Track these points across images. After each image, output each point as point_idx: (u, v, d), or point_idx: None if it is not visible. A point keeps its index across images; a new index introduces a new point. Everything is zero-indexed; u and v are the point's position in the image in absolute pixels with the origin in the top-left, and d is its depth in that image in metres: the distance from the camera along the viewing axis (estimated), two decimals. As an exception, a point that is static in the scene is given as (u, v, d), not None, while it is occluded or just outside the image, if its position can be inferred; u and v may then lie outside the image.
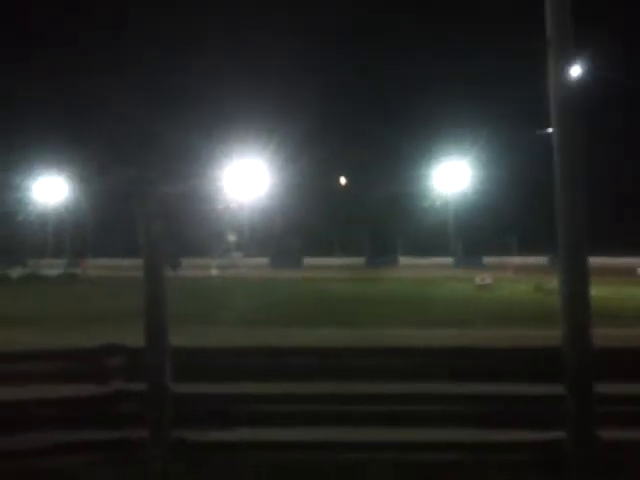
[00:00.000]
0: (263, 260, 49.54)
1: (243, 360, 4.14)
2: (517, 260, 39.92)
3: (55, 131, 50.94)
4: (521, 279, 26.06)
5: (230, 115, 46.01)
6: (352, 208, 54.56)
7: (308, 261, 48.16)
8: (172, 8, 48.44)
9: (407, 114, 50.82)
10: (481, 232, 47.82)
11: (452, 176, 53.48)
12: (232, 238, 48.55)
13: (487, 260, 43.01)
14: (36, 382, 4.03)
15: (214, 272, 33.79)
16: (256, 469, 3.98)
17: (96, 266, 45.59)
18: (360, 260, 49.37)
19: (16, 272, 33.36)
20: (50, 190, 58.42)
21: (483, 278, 24.05)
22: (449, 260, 47.41)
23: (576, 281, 3.79)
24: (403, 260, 48.48)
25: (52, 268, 37.70)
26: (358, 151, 51.08)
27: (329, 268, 38.52)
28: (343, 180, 57.74)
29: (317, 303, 16.30)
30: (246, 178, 51.39)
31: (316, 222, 50.10)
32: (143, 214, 3.67)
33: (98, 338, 4.34)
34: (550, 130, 4.03)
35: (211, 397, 4.09)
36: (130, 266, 45.18)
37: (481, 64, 41.15)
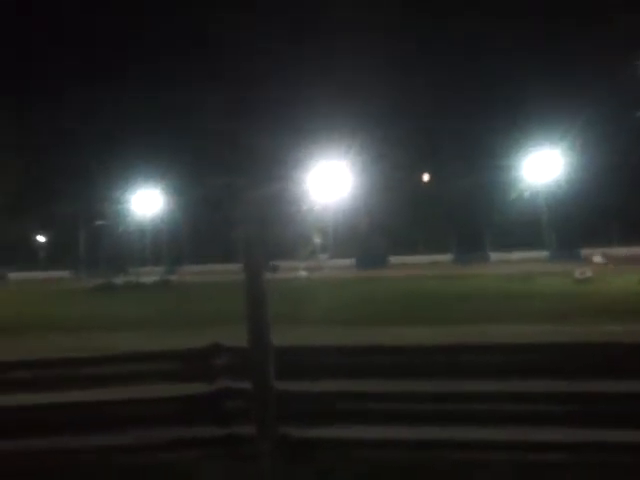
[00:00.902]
0: (348, 261, 49.73)
1: (343, 358, 4.17)
2: (618, 251, 37.55)
3: (152, 146, 53.90)
4: (623, 271, 24.46)
5: (314, 118, 46.68)
6: (436, 204, 53.56)
7: (394, 260, 47.80)
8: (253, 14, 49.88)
9: (492, 103, 49.23)
10: (577, 223, 45.36)
11: (543, 165, 51.02)
12: (317, 240, 49.13)
13: (584, 252, 40.68)
14: (149, 382, 4.28)
15: (301, 274, 34.33)
16: (360, 466, 4.00)
17: (192, 272, 47.82)
18: (447, 257, 48.35)
19: (119, 280, 35.61)
20: (147, 202, 61.81)
21: (583, 272, 22.81)
22: (543, 254, 45.30)
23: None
24: (493, 256, 46.92)
25: (150, 275, 39.86)
26: (441, 145, 50.13)
27: (416, 266, 38.02)
28: (426, 176, 56.79)
29: (408, 301, 16.14)
30: (329, 180, 51.80)
31: (400, 220, 49.65)
32: (241, 219, 3.79)
33: (202, 339, 4.54)
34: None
35: (314, 395, 4.15)
36: (224, 271, 47.05)
37: (574, 48, 39.19)
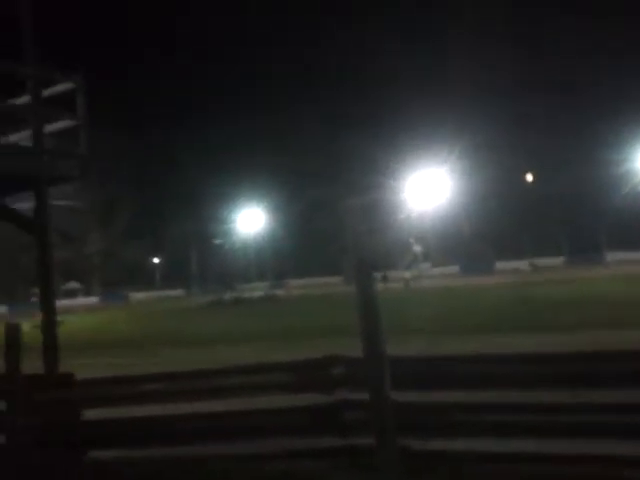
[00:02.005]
0: (452, 268, 48.53)
1: (462, 367, 4.09)
2: None
3: (254, 166, 56.05)
4: None
5: (411, 125, 46.41)
6: (543, 205, 50.98)
7: (500, 265, 46.02)
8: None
9: (598, 94, 46.34)
10: None
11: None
12: (418, 248, 48.40)
13: None
14: (269, 392, 4.43)
15: (404, 283, 33.97)
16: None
17: (297, 286, 48.92)
18: (558, 260, 45.77)
19: (228, 296, 37.15)
20: (251, 220, 64.22)
21: None
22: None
23: None
24: (611, 256, 43.73)
25: (256, 291, 41.21)
26: (545, 143, 47.78)
27: (524, 271, 36.30)
28: (530, 176, 54.26)
29: (520, 308, 15.45)
30: (428, 187, 50.98)
31: (505, 224, 47.79)
32: (352, 230, 3.85)
33: (317, 351, 4.63)
34: None
35: (433, 406, 4.11)
36: (327, 284, 47.65)
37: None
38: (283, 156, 56.80)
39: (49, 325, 5.29)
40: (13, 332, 4.71)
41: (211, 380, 4.54)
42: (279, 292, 39.63)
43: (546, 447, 3.78)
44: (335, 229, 51.16)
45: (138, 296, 59.66)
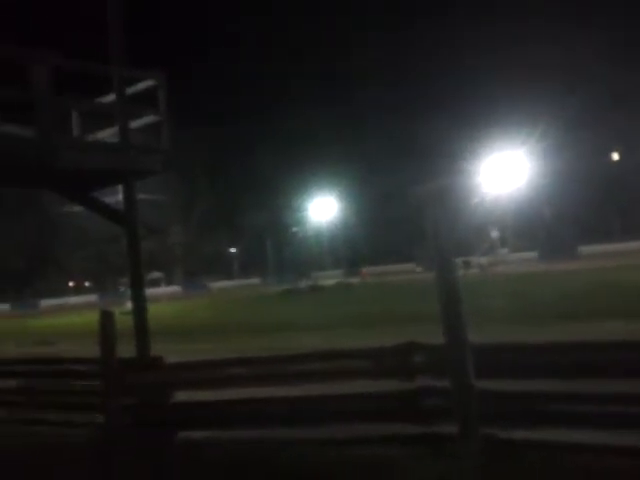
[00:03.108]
0: (531, 254, 46.75)
1: (548, 357, 3.95)
2: None
3: (326, 155, 56.35)
4: None
5: (487, 107, 45.02)
6: (632, 184, 47.96)
7: (583, 250, 43.81)
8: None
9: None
10: None
11: None
12: (495, 233, 46.93)
13: None
14: (350, 378, 4.47)
15: (480, 270, 33.08)
16: (566, 472, 3.75)
17: (372, 273, 48.89)
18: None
19: (303, 284, 37.65)
20: (324, 209, 64.66)
21: None
22: None
23: None
24: None
25: (331, 279, 41.48)
26: (631, 121, 44.90)
27: (612, 256, 34.30)
28: (616, 155, 51.14)
29: (605, 294, 14.66)
30: (505, 170, 49.21)
31: (590, 206, 45.44)
32: (431, 217, 3.79)
33: (395, 338, 4.62)
34: None
35: (516, 395, 4.00)
36: (401, 271, 47.26)
37: None
38: (356, 144, 56.71)
39: (139, 311, 5.58)
40: (107, 318, 5.02)
41: (293, 365, 4.64)
42: (354, 280, 39.70)
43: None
44: (409, 215, 50.61)
45: (217, 285, 61.69)
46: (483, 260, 36.25)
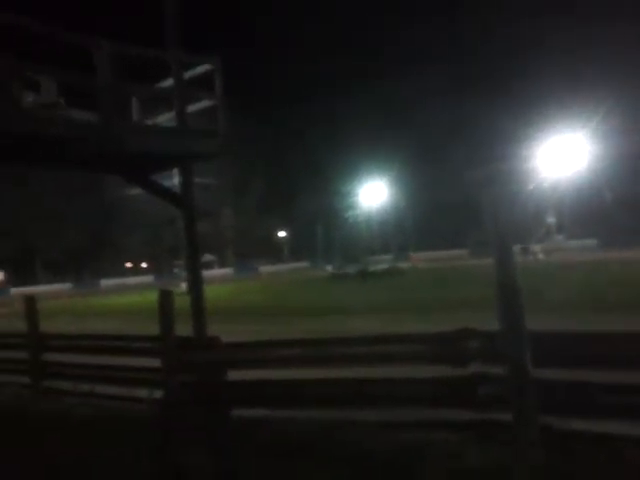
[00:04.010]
0: (590, 241, 45.14)
1: (604, 346, 3.83)
2: None
3: (377, 139, 55.94)
4: None
5: (544, 90, 43.47)
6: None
7: (651, 238, 41.81)
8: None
9: None
10: None
11: None
12: (552, 220, 45.48)
13: None
14: (402, 363, 4.46)
15: (535, 257, 32.19)
16: (629, 466, 3.64)
17: (422, 259, 48.40)
18: None
19: (353, 268, 37.66)
20: (374, 193, 64.33)
21: None
22: None
23: None
24: None
25: (381, 264, 41.31)
26: None
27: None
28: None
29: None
30: (563, 154, 47.43)
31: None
32: (490, 202, 3.71)
33: (447, 323, 4.58)
34: None
35: (573, 384, 3.90)
36: (451, 257, 46.59)
37: None
38: (407, 128, 55.95)
39: (196, 292, 5.73)
40: (166, 298, 5.18)
41: (346, 347, 4.66)
42: (403, 265, 39.41)
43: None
44: (461, 200, 49.74)
45: (267, 268, 62.51)
46: (537, 247, 35.24)
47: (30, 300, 7.61)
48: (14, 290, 50.30)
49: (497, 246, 3.72)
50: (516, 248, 4.68)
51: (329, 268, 38.99)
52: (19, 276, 59.13)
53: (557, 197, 47.21)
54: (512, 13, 52.42)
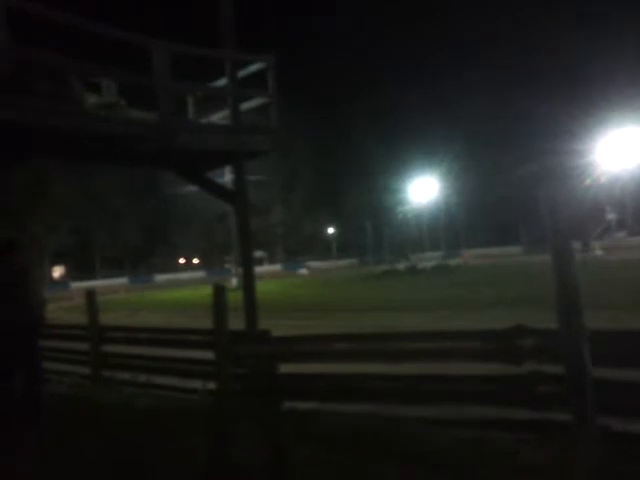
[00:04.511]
0: (655, 238, 43.16)
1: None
2: None
3: (426, 135, 55.24)
4: None
5: (606, 81, 41.84)
6: None
7: None
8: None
9: None
10: None
11: None
12: (612, 216, 43.73)
13: None
14: (455, 360, 4.41)
15: (597, 254, 31.04)
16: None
17: (473, 255, 47.55)
18: None
19: (401, 265, 37.42)
20: (424, 189, 63.57)
21: None
22: None
23: None
24: None
25: (430, 260, 40.85)
26: None
27: None
28: None
29: None
30: (623, 147, 45.51)
31: None
32: (548, 197, 3.62)
33: (496, 321, 4.50)
34: None
35: (633, 385, 3.77)
36: (502, 254, 45.57)
37: None
38: (457, 123, 54.98)
39: (249, 287, 5.84)
40: (220, 292, 5.30)
41: (398, 343, 4.65)
42: (454, 262, 38.85)
43: None
44: (515, 196, 48.60)
45: (316, 264, 62.82)
46: (595, 244, 34.00)
47: (91, 294, 7.93)
48: (74, 284, 52.38)
49: (555, 243, 3.64)
50: (576, 245, 4.56)
51: (383, 266, 38.83)
52: (78, 271, 61.64)
53: (618, 192, 45.38)
54: (572, 4, 50.67)
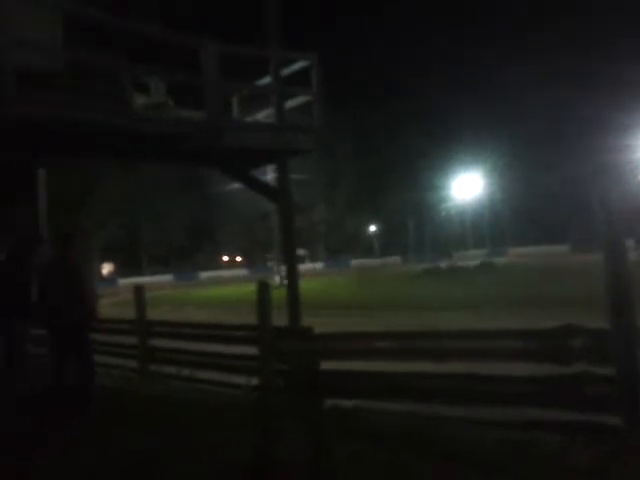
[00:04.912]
0: None
1: None
2: None
3: (472, 131, 54.35)
4: None
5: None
6: None
7: None
8: None
9: None
10: None
11: None
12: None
13: None
14: (503, 359, 4.33)
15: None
16: None
17: (519, 254, 46.52)
18: None
19: (444, 263, 36.92)
20: (467, 186, 62.52)
21: None
22: None
23: None
24: None
25: (474, 259, 40.15)
26: None
27: None
28: None
29: None
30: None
31: None
32: (600, 194, 3.52)
33: (542, 321, 4.38)
34: None
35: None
36: (550, 252, 44.39)
37: None
38: (502, 120, 53.89)
39: (292, 284, 5.88)
40: (264, 289, 5.36)
41: (441, 342, 4.61)
42: (498, 260, 38.07)
43: None
44: (562, 194, 47.34)
45: (358, 263, 62.65)
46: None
47: (139, 289, 8.14)
48: (121, 281, 53.84)
49: (608, 240, 3.53)
50: (629, 243, 4.41)
51: (426, 264, 38.37)
52: (126, 268, 63.33)
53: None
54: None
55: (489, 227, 62.36)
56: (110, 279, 57.45)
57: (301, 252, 67.63)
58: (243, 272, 61.26)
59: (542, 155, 49.86)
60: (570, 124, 46.29)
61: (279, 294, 6.39)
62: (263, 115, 6.59)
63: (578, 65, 48.43)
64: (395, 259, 63.58)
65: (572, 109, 45.75)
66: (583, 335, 3.99)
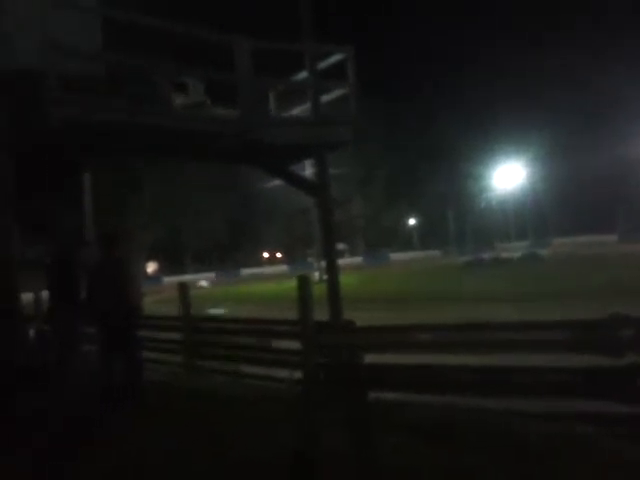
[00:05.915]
0: None
1: None
2: None
3: (510, 121, 53.24)
4: None
5: None
6: None
7: None
8: None
9: None
10: None
11: None
12: None
13: None
14: (548, 351, 4.24)
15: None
16: None
17: (564, 244, 45.33)
18: None
19: (487, 255, 36.32)
20: (508, 176, 61.19)
21: None
22: None
23: None
24: None
25: (517, 250, 39.33)
26: None
27: None
28: None
29: None
30: None
31: None
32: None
33: (587, 312, 4.27)
34: None
35: None
36: (596, 242, 43.11)
37: None
38: (543, 109, 52.53)
39: (332, 278, 5.89)
40: (305, 284, 5.39)
41: (484, 334, 4.54)
42: (542, 251, 37.19)
43: None
44: (608, 183, 45.86)
45: (397, 256, 62.15)
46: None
47: (183, 286, 8.29)
48: (166, 279, 54.92)
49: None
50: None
51: (467, 256, 37.82)
52: (169, 266, 64.64)
53: None
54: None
55: (531, 217, 60.92)
56: (155, 277, 58.66)
57: (341, 246, 67.48)
58: (283, 268, 61.61)
59: (588, 140, 48.34)
60: (611, 111, 44.79)
61: (319, 289, 6.41)
62: (300, 110, 6.60)
63: (627, 49, 46.82)
64: (435, 252, 62.83)
65: (618, 94, 44.24)
66: (633, 325, 3.87)
